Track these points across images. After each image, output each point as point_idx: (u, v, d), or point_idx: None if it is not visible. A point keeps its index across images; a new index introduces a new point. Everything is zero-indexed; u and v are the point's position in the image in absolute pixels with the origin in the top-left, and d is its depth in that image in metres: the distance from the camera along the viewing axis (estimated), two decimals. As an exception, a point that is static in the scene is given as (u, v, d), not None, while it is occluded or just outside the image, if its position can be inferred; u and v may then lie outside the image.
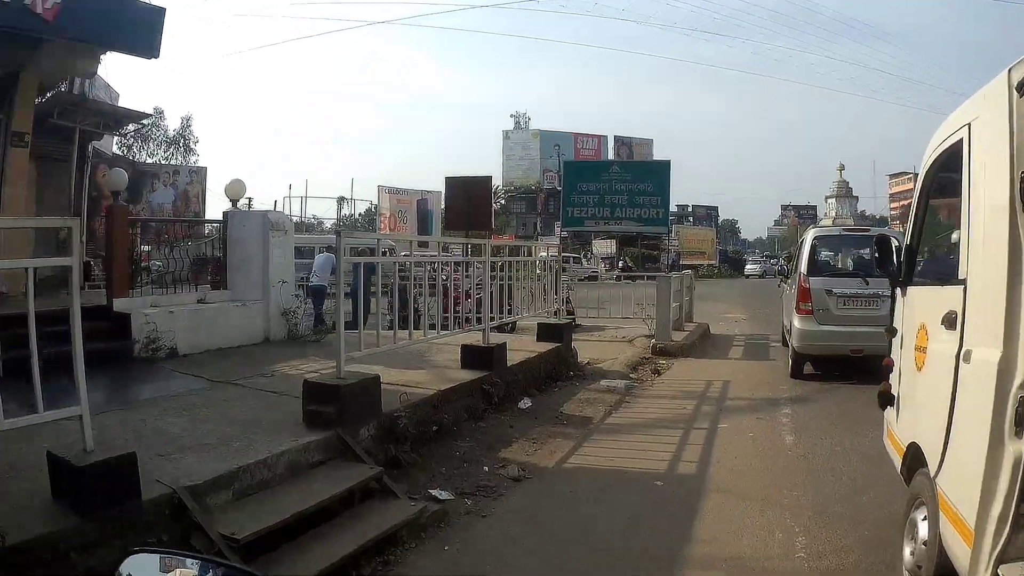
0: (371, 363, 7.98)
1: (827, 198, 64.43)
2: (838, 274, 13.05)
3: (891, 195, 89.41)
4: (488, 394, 9.39)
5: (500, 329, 12.10)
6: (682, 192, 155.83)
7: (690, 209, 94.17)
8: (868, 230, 14.86)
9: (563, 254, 54.80)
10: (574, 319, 17.55)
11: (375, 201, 59.90)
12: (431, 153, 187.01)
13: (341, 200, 65.83)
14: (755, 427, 9.39)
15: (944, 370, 3.86)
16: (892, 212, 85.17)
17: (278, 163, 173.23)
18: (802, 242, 13.89)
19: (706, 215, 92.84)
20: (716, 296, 35.53)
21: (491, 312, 10.69)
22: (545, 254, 53.25)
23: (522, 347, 11.64)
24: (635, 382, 12.23)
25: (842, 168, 64.74)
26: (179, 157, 64.19)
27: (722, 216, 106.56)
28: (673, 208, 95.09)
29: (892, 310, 5.72)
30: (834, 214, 61.65)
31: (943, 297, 4.13)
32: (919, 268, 5.43)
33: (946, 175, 4.71)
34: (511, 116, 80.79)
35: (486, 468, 7.34)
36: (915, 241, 5.40)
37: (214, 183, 70.55)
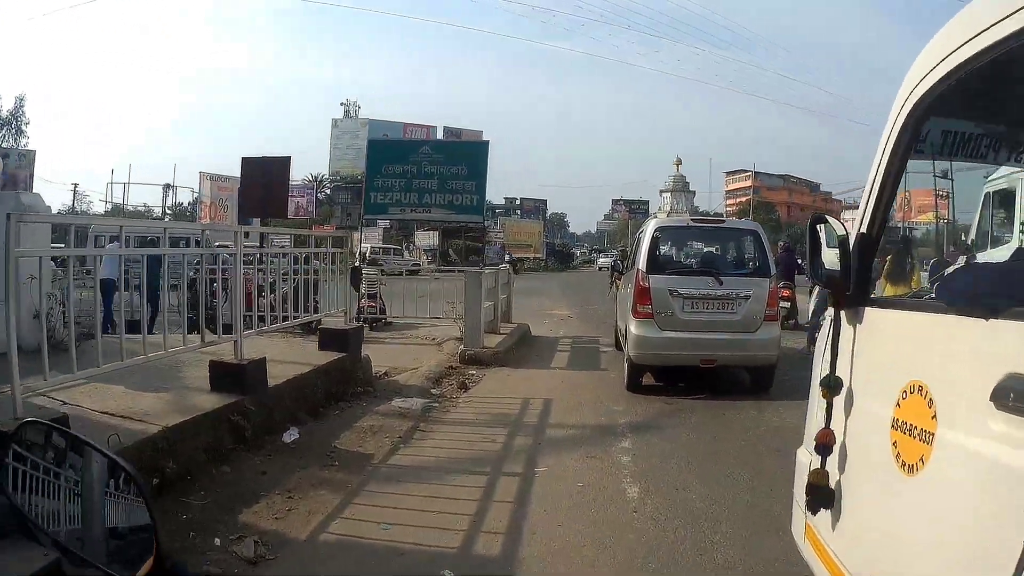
0: (107, 381, 6.70)
1: (662, 192, 63.60)
2: (684, 272, 11.16)
3: (727, 192, 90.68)
4: (238, 427, 6.96)
5: (306, 331, 10.96)
6: (511, 186, 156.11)
7: (518, 202, 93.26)
8: (722, 222, 13.15)
9: (382, 245, 53.76)
10: (384, 318, 16.59)
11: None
12: (261, 140, 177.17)
13: (167, 187, 62.26)
14: (585, 471, 6.92)
15: (990, 493, 1.90)
16: (728, 209, 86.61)
17: (100, 145, 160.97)
18: (641, 234, 11.89)
19: (534, 208, 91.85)
20: (540, 291, 33.85)
21: (267, 312, 9.26)
22: (366, 246, 47.66)
23: (299, 359, 9.26)
24: (436, 401, 9.77)
25: (679, 162, 64.26)
26: (10, 140, 59.57)
27: (551, 210, 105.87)
28: (500, 200, 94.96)
29: (831, 343, 2.97)
30: (668, 208, 60.94)
31: (1000, 345, 1.95)
32: (934, 282, 3.34)
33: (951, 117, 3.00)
34: (341, 104, 77.82)
35: (218, 541, 5.05)
36: (875, 229, 2.95)
37: (43, 168, 66.20)
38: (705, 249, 13.22)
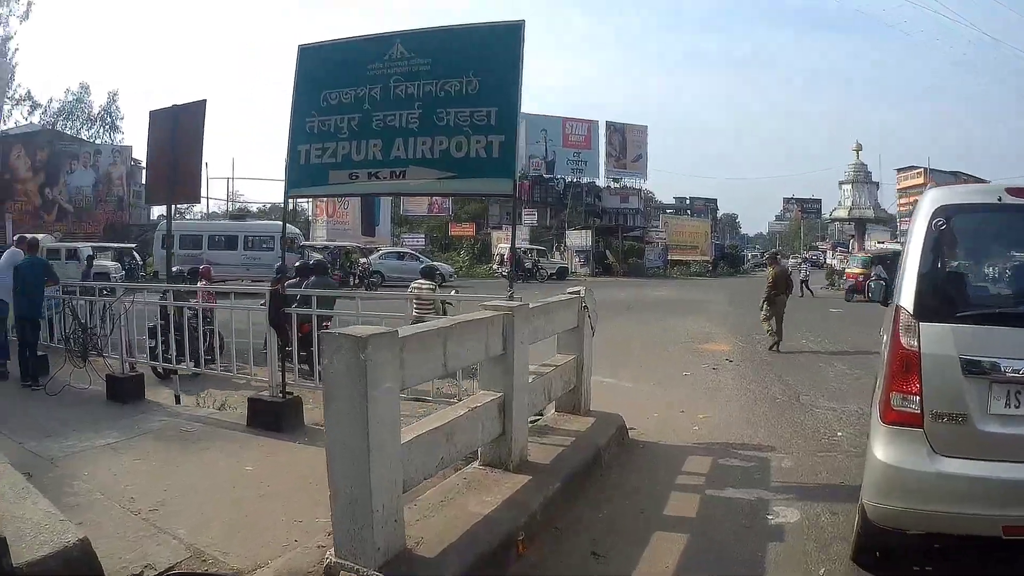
0: None
1: (841, 184, 50.71)
2: (1006, 318, 4.11)
3: (899, 190, 78.06)
4: None
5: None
6: (680, 183, 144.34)
7: (688, 201, 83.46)
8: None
9: (528, 247, 45.16)
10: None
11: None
12: None
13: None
14: None
15: None
16: (900, 209, 75.14)
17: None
18: (911, 227, 4.68)
19: (704, 208, 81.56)
20: (701, 305, 24.87)
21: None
22: (504, 248, 35.50)
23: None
24: None
25: (859, 148, 50.80)
26: (105, 135, 57.30)
27: (722, 210, 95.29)
28: (670, 199, 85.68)
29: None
30: (850, 203, 48.71)
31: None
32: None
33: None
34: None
35: None
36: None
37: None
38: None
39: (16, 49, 49.31)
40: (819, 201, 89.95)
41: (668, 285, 41.04)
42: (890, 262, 28.59)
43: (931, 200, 4.46)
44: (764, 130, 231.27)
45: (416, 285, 11.37)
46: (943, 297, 4.26)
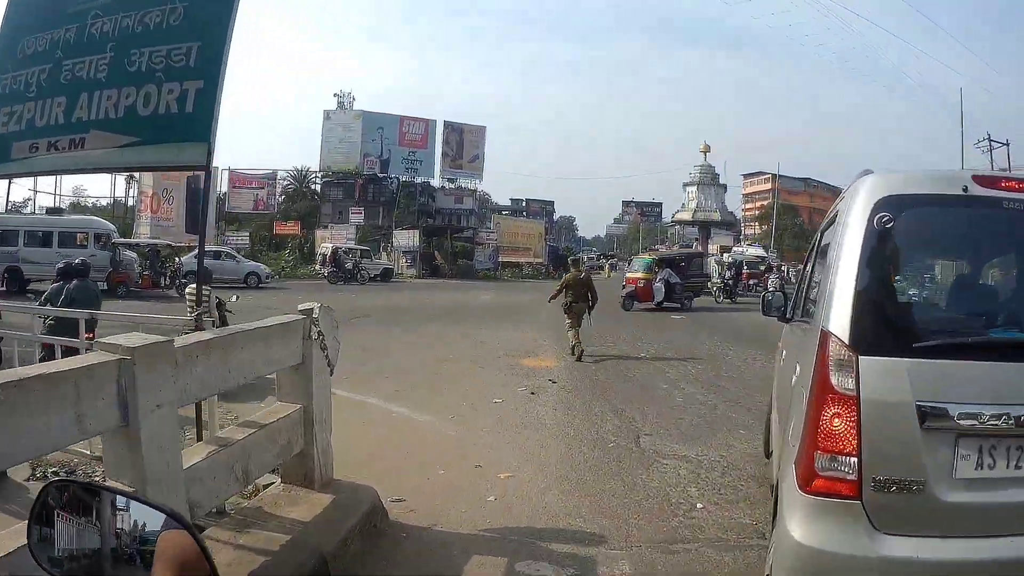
0: None
1: (686, 185, 50.09)
2: (976, 348, 3.04)
3: (745, 195, 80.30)
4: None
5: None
6: (518, 185, 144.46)
7: (524, 203, 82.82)
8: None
9: (353, 247, 42.53)
10: None
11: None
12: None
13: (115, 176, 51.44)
14: None
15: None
16: (745, 214, 77.01)
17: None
18: (835, 226, 3.55)
19: (540, 210, 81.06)
20: (529, 308, 23.07)
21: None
22: (328, 247, 31.42)
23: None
24: None
25: (707, 150, 50.10)
26: None
27: (559, 213, 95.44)
28: (506, 201, 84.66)
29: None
30: (694, 206, 48.49)
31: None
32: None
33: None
34: (335, 95, 66.64)
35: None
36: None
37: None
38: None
39: None
40: (660, 205, 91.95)
41: (497, 288, 39.24)
42: (684, 264, 27.77)
43: (870, 189, 3.25)
44: (608, 134, 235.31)
45: (190, 290, 9.83)
46: (892, 322, 3.16)
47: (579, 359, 13.23)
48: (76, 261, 10.99)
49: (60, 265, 11.04)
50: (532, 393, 10.19)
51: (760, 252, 46.50)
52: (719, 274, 32.00)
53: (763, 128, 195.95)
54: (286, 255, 47.97)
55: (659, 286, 25.22)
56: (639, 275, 26.66)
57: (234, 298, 11.53)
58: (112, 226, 32.48)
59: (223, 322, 10.52)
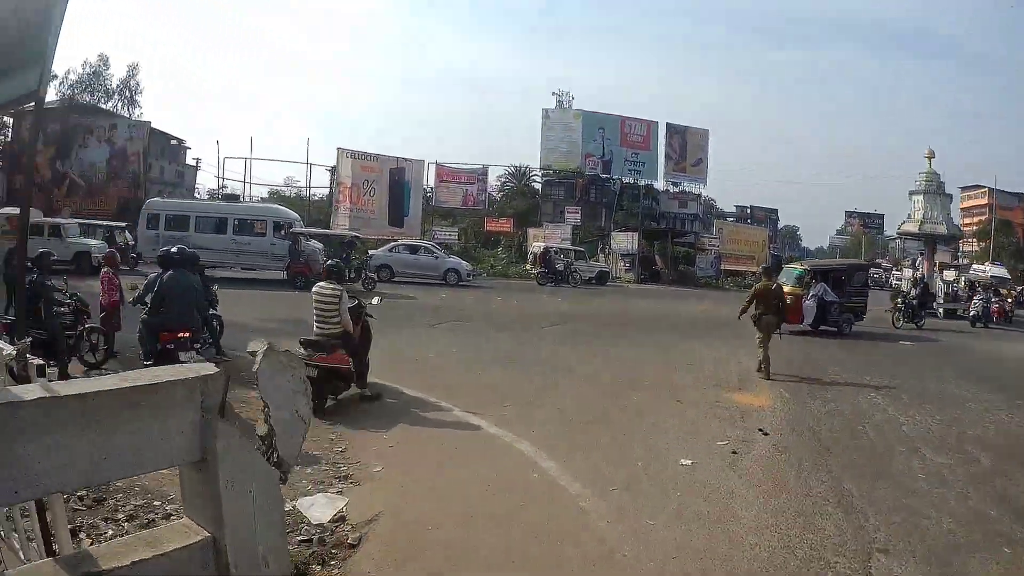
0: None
1: (912, 194, 44.51)
2: None
3: (963, 210, 72.60)
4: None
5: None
6: (741, 193, 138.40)
7: (749, 210, 78.79)
8: None
9: (568, 247, 41.11)
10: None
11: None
12: (454, 133, 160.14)
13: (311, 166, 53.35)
14: None
15: None
16: (964, 228, 69.83)
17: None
18: None
19: (765, 218, 76.65)
20: (744, 327, 20.07)
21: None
22: (539, 246, 29.88)
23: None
24: None
25: (931, 156, 44.49)
26: (124, 110, 54.23)
27: (782, 222, 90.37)
28: (730, 207, 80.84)
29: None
30: (921, 217, 43.31)
31: None
32: None
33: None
34: (553, 94, 66.30)
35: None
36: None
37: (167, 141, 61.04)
38: None
39: None
40: (882, 216, 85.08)
41: (715, 298, 35.09)
42: (844, 278, 21.86)
43: None
44: (830, 142, 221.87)
45: (317, 288, 9.64)
46: None
47: (767, 377, 12.49)
48: (172, 249, 10.42)
49: (160, 252, 10.53)
50: (734, 452, 7.95)
51: (1002, 272, 40.62)
52: (903, 293, 26.74)
53: (979, 141, 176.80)
54: (498, 252, 47.25)
55: (810, 304, 20.48)
56: (786, 289, 18.78)
57: (375, 300, 10.82)
58: (294, 215, 31.58)
59: (365, 332, 10.03)
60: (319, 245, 29.24)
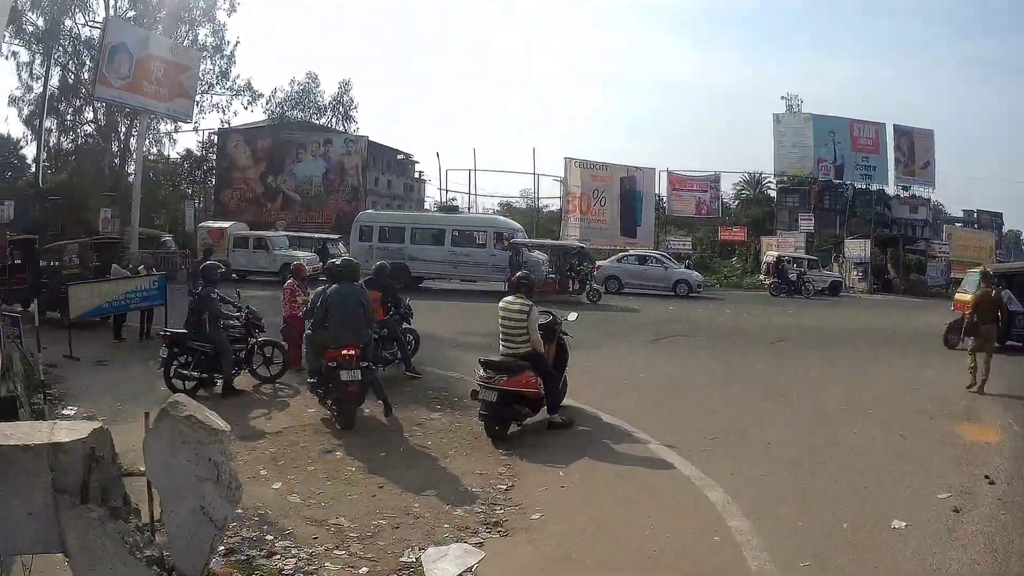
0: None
1: None
2: None
3: None
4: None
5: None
6: (966, 195, 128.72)
7: (975, 215, 75.45)
8: None
9: (801, 256, 41.67)
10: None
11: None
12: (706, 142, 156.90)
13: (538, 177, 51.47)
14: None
15: None
16: None
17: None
18: None
19: (990, 222, 73.34)
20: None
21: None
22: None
23: None
24: None
25: None
26: (338, 125, 57.78)
27: (1007, 226, 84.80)
28: (958, 212, 77.25)
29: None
30: None
31: None
32: None
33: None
34: (782, 99, 65.50)
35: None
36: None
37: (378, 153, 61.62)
38: None
39: (237, 42, 49.21)
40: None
41: (943, 309, 26.04)
42: None
43: None
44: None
45: (504, 302, 9.14)
46: None
47: (980, 391, 11.67)
48: (337, 262, 10.23)
49: (325, 265, 10.50)
50: (956, 511, 6.52)
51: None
52: None
53: None
54: (733, 262, 47.20)
55: None
56: (968, 297, 16.03)
57: (572, 317, 10.17)
58: (516, 225, 30.99)
59: (560, 352, 9.59)
60: (543, 256, 28.77)
